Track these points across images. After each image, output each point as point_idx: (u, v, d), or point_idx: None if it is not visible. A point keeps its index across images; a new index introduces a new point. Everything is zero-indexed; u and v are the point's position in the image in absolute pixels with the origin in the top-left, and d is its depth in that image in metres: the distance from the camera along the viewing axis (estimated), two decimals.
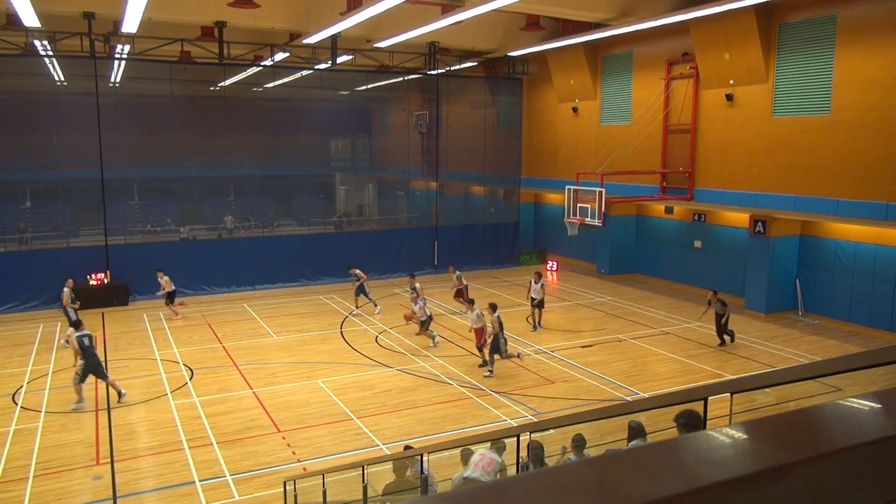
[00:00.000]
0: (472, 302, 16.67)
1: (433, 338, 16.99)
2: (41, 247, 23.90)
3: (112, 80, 24.24)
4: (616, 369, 15.17)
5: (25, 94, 25.28)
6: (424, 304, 16.99)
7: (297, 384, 14.37)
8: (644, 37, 22.24)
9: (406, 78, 28.00)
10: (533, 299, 18.59)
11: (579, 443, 7.22)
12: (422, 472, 7.23)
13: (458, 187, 30.05)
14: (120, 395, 13.47)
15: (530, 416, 12.63)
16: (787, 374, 3.48)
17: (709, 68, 20.46)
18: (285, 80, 27.82)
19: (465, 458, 7.32)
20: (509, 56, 26.74)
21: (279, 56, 24.01)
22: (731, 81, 19.94)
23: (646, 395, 13.44)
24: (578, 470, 1.21)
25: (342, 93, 30.39)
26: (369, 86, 30.79)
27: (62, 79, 24.78)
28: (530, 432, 6.27)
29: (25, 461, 10.86)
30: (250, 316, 20.38)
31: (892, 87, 16.25)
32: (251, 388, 14.18)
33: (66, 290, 17.71)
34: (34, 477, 10.36)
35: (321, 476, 8.44)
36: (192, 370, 15.37)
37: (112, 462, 10.86)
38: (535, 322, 18.70)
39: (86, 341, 13.28)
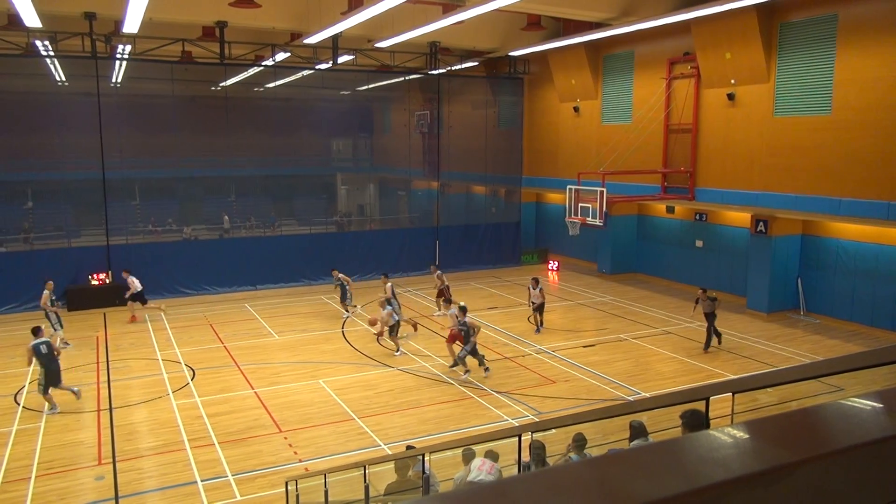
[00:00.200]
0: (464, 311, 15.74)
1: (397, 347, 16.44)
2: (43, 247, 23.93)
3: (113, 80, 24.25)
4: (618, 369, 15.17)
5: (27, 94, 25.30)
6: (394, 308, 16.52)
7: (299, 384, 14.38)
8: (645, 36, 22.22)
9: (407, 78, 28.00)
10: (533, 304, 18.44)
11: (580, 442, 7.22)
12: (423, 472, 7.23)
13: (459, 187, 30.04)
14: (77, 395, 13.31)
15: (532, 416, 12.63)
16: (789, 374, 3.48)
17: (710, 68, 20.44)
18: (286, 80, 27.83)
19: (467, 458, 7.32)
20: (510, 56, 26.73)
21: (280, 56, 24.02)
22: (733, 81, 19.93)
23: (647, 395, 13.44)
24: (579, 470, 1.21)
25: (343, 93, 30.40)
26: (370, 86, 30.79)
27: (63, 79, 24.80)
28: (532, 432, 6.27)
29: (28, 461, 10.88)
30: (252, 316, 20.39)
31: (893, 87, 16.23)
32: (253, 389, 14.19)
33: (45, 292, 17.35)
34: (36, 477, 10.37)
35: (323, 476, 8.45)
36: (193, 370, 15.38)
37: (114, 462, 10.87)
38: (537, 324, 18.51)
39: (43, 349, 12.91)
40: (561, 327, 18.94)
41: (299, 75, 26.66)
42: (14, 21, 18.86)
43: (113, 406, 13.26)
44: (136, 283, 19.53)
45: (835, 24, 17.33)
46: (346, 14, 18.29)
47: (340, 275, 20.11)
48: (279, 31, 22.57)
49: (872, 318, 17.91)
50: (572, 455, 7.03)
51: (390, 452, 10.86)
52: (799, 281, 19.70)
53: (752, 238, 20.08)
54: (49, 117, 23.94)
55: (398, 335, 16.57)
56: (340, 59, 24.02)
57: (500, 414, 12.72)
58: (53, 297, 17.58)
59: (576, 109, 26.48)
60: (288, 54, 23.95)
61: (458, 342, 14.81)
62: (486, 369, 14.78)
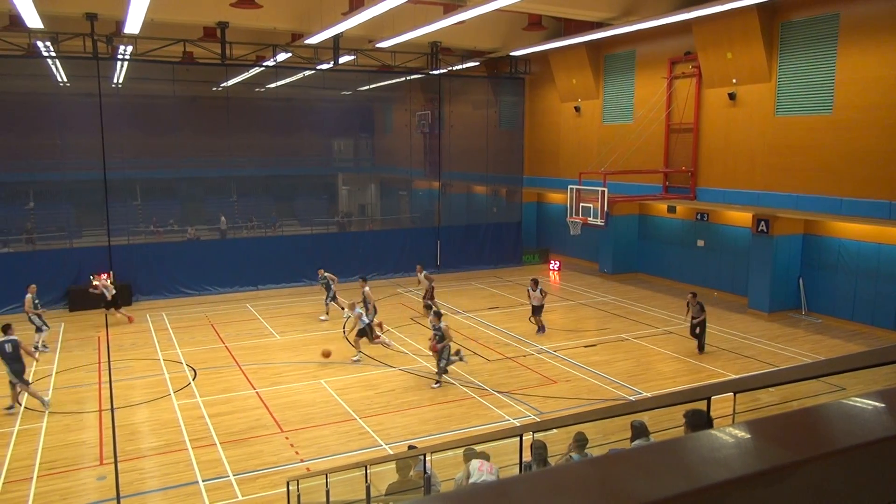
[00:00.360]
0: (432, 310, 15.42)
1: (357, 355, 15.86)
2: (45, 247, 23.96)
3: (115, 80, 24.27)
4: (619, 369, 15.16)
5: (28, 95, 25.35)
6: (362, 312, 16.02)
7: (301, 384, 14.38)
8: (646, 36, 22.21)
9: (408, 78, 28.00)
10: (534, 307, 18.15)
11: (581, 441, 7.22)
12: (425, 472, 7.23)
13: (460, 187, 30.04)
14: (44, 403, 13.03)
15: (533, 416, 12.63)
16: (791, 374, 3.48)
17: (711, 67, 20.43)
18: (287, 80, 27.83)
19: (468, 457, 7.31)
20: (511, 56, 26.72)
21: (281, 56, 24.02)
22: (734, 80, 19.91)
23: (649, 395, 13.43)
24: (581, 469, 1.21)
25: (344, 93, 30.42)
26: (371, 86, 30.80)
27: (65, 80, 24.82)
28: (533, 432, 6.27)
29: (30, 461, 10.89)
30: (253, 316, 20.40)
31: (894, 86, 16.22)
32: (254, 389, 14.20)
33: (28, 296, 17.09)
34: (38, 477, 10.39)
35: (324, 476, 8.45)
36: (195, 370, 15.39)
37: (116, 462, 10.88)
38: (539, 325, 18.15)
39: (7, 348, 12.74)
40: (562, 327, 18.93)
41: (300, 76, 26.67)
42: (15, 22, 18.87)
43: (115, 406, 13.27)
44: (110, 287, 19.46)
45: (836, 23, 17.32)
46: (346, 14, 18.29)
47: (327, 274, 20.02)
48: (280, 31, 22.58)
49: (874, 318, 17.89)
50: (573, 455, 7.03)
51: (391, 452, 10.86)
52: (800, 280, 19.69)
53: (753, 238, 20.07)
54: (50, 118, 23.98)
55: (374, 339, 16.04)
56: (341, 60, 24.03)
57: (502, 414, 12.72)
58: (37, 301, 17.24)
59: (577, 109, 26.47)
60: (289, 55, 23.96)
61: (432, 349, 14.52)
62: (460, 358, 14.57)
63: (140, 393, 14.01)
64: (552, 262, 27.54)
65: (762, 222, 19.58)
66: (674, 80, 22.08)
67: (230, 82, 27.63)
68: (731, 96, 20.07)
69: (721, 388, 3.85)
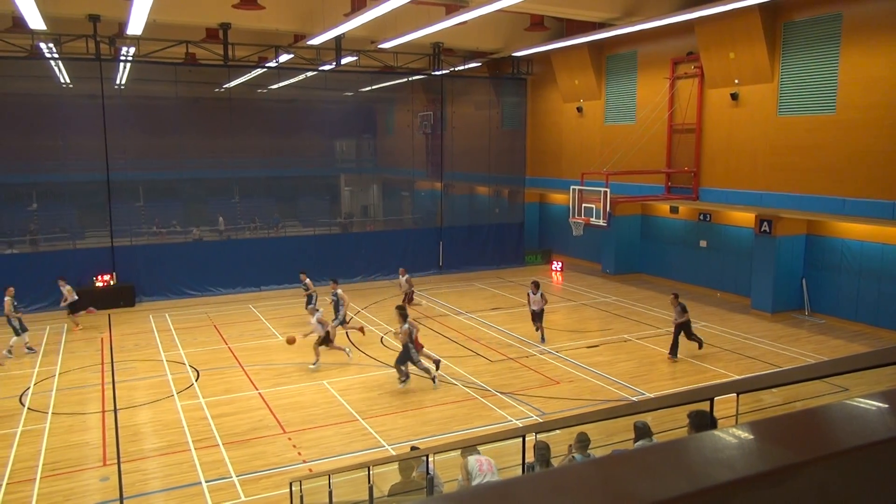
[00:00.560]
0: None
1: (315, 361, 15.39)
2: (48, 248, 24.01)
3: (117, 82, 24.32)
4: (622, 369, 15.14)
5: (31, 96, 25.41)
6: (321, 317, 15.61)
7: (303, 385, 14.39)
8: (648, 36, 22.20)
9: (410, 79, 28.04)
10: (533, 312, 17.30)
11: (584, 442, 7.22)
12: (428, 473, 7.23)
13: (462, 188, 30.05)
14: None
15: (536, 417, 12.63)
16: (794, 374, 3.47)
17: (714, 67, 20.41)
18: (290, 81, 27.87)
19: (465, 454, 7.28)
20: (513, 56, 26.73)
21: (284, 57, 24.06)
22: (737, 81, 19.90)
23: (652, 396, 13.42)
24: (583, 470, 1.21)
25: (347, 94, 30.45)
26: (374, 87, 30.80)
27: (68, 81, 24.87)
28: (536, 433, 6.26)
29: (33, 462, 10.91)
30: (256, 317, 20.42)
31: None
32: (257, 389, 14.21)
33: (7, 298, 16.72)
34: (42, 478, 10.40)
35: (327, 477, 8.46)
36: (198, 371, 15.41)
37: (119, 463, 10.90)
38: (542, 334, 17.39)
39: None
40: (565, 328, 18.92)
41: (303, 76, 26.70)
42: (18, 23, 18.93)
43: (118, 407, 13.29)
44: (70, 292, 18.91)
45: (839, 23, 17.29)
46: (349, 15, 18.31)
47: (308, 280, 19.54)
48: (283, 32, 22.61)
49: (877, 318, 17.86)
50: (576, 455, 7.02)
51: (394, 453, 10.86)
52: (803, 281, 19.66)
53: (756, 238, 20.04)
54: (53, 119, 24.03)
55: (331, 346, 15.49)
56: (344, 61, 24.05)
57: (504, 415, 12.72)
58: (15, 303, 16.98)
59: (579, 110, 26.46)
60: (291, 56, 23.99)
61: (421, 350, 14.27)
62: (404, 380, 14.02)
63: (143, 394, 14.03)
64: (554, 262, 27.53)
65: (765, 223, 19.56)
66: (676, 81, 22.06)
67: (233, 83, 27.67)
68: (734, 96, 20.05)
69: (724, 388, 3.85)
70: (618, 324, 19.17)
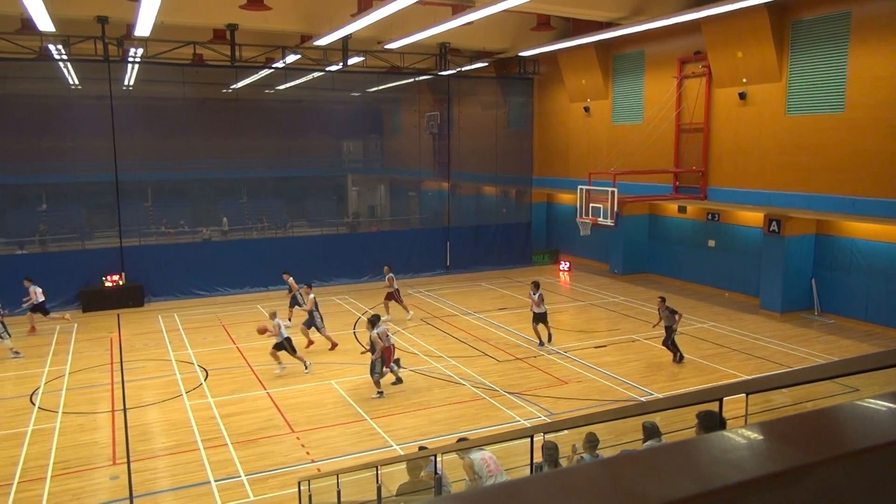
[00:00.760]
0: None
1: (280, 365, 15.07)
2: (58, 249, 24.15)
3: (125, 83, 24.44)
4: (630, 369, 15.10)
5: (41, 97, 25.56)
6: (281, 323, 15.16)
7: (311, 385, 14.41)
8: (655, 36, 22.13)
9: (417, 79, 28.06)
10: (534, 315, 16.76)
11: (592, 442, 7.20)
12: (436, 473, 7.23)
13: (469, 188, 30.05)
14: None
15: (544, 417, 12.61)
16: (804, 375, 3.46)
17: (721, 67, 20.34)
18: (297, 81, 27.94)
19: (464, 455, 7.26)
20: (520, 56, 26.71)
21: (290, 58, 24.11)
22: (744, 80, 19.81)
23: (660, 396, 13.38)
24: (592, 470, 1.21)
25: (353, 94, 30.50)
26: (380, 87, 30.85)
27: (76, 82, 25.00)
28: (544, 433, 6.26)
29: (44, 461, 10.98)
30: (264, 317, 20.42)
31: None
32: (265, 389, 14.25)
33: None
34: (52, 477, 10.47)
35: (335, 476, 8.47)
36: (206, 371, 15.46)
37: (128, 462, 10.95)
38: (542, 338, 16.81)
39: None
40: (572, 328, 18.89)
41: (309, 77, 26.75)
42: (27, 25, 19.03)
43: (127, 406, 13.36)
44: (38, 293, 18.52)
45: (848, 21, 17.19)
46: (355, 16, 18.33)
47: (291, 279, 19.30)
48: (289, 33, 22.66)
49: (888, 318, 17.74)
50: (584, 455, 7.01)
51: (402, 453, 10.87)
52: (813, 281, 19.55)
53: (764, 238, 19.95)
54: (62, 120, 24.17)
55: (294, 354, 15.06)
56: (350, 61, 24.08)
57: (512, 415, 12.71)
58: (1, 309, 16.91)
59: (586, 109, 26.41)
60: (298, 56, 24.04)
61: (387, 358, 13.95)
62: (392, 372, 14.04)
63: (152, 393, 14.09)
64: (562, 262, 27.49)
65: (773, 222, 19.47)
66: (683, 80, 21.99)
67: (240, 84, 27.76)
68: (742, 96, 19.97)
69: (733, 389, 3.83)
70: (626, 324, 19.12)
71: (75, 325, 19.61)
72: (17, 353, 16.72)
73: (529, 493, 1.05)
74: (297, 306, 18.86)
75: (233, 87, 27.66)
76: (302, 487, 9.25)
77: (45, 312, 18.91)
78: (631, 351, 16.57)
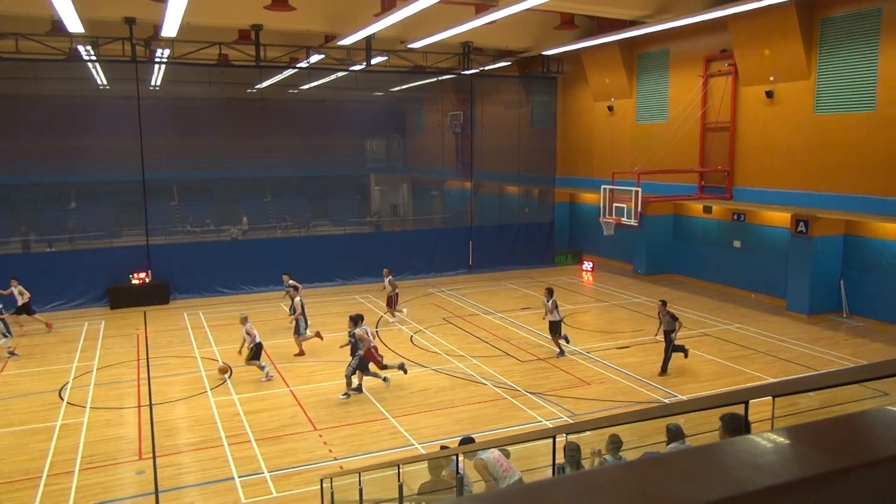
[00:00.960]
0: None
1: (263, 369, 14.69)
2: (86, 247, 24.57)
3: (152, 83, 24.78)
4: (653, 371, 14.96)
5: (70, 98, 26.07)
6: (252, 327, 14.80)
7: (334, 383, 14.48)
8: (681, 34, 21.92)
9: (440, 78, 28.08)
10: (550, 324, 16.06)
11: (616, 444, 7.16)
12: (457, 473, 7.23)
13: (492, 187, 30.03)
14: None
15: (566, 418, 12.56)
16: (832, 378, 3.41)
17: (748, 65, 20.08)
18: (320, 81, 28.13)
19: (472, 456, 7.22)
20: (543, 55, 26.60)
21: (314, 58, 24.26)
22: (772, 78, 19.55)
23: (684, 398, 13.26)
24: (620, 473, 1.21)
25: (377, 94, 30.64)
26: (403, 86, 30.94)
27: (105, 83, 25.43)
28: (567, 434, 6.24)
29: (72, 455, 11.18)
30: (287, 315, 20.59)
31: None
32: (288, 387, 14.37)
33: None
34: (80, 470, 10.65)
35: (357, 474, 8.52)
36: (230, 368, 15.63)
37: (154, 457, 11.11)
38: (559, 346, 16.21)
39: None
40: (595, 328, 18.78)
41: (333, 77, 26.92)
42: (57, 27, 19.37)
43: (153, 402, 13.55)
44: (25, 294, 18.25)
45: (878, 18, 16.88)
46: (379, 15, 18.39)
47: (291, 280, 18.85)
48: (313, 33, 22.80)
49: None
50: (607, 457, 6.97)
51: (423, 452, 10.90)
52: (841, 282, 19.23)
53: (792, 238, 19.67)
54: (91, 120, 24.63)
55: (258, 363, 14.70)
56: (374, 61, 24.17)
57: (534, 415, 12.68)
58: (1, 306, 16.97)
59: (610, 108, 26.24)
60: (322, 56, 24.18)
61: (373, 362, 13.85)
62: (346, 395, 13.60)
63: (177, 390, 14.28)
64: (585, 262, 27.35)
65: (801, 223, 19.18)
66: (709, 79, 21.75)
67: (264, 84, 28.03)
68: (769, 94, 19.70)
69: (759, 391, 3.79)
70: (649, 325, 18.94)
71: (103, 322, 19.93)
72: (11, 353, 16.55)
73: (558, 493, 1.06)
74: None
75: (257, 87, 27.94)
76: (324, 485, 9.32)
77: (31, 313, 18.64)
78: (654, 352, 16.40)
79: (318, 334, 16.86)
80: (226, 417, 12.73)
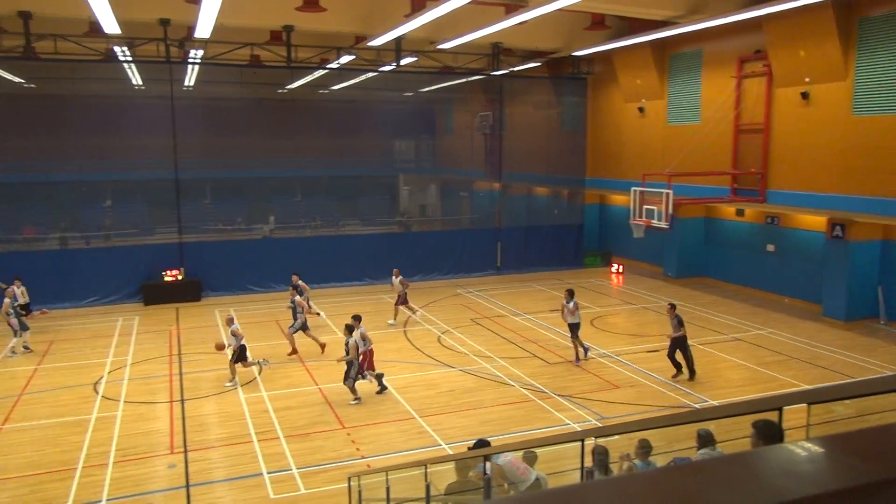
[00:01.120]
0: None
1: (261, 363, 14.92)
2: (121, 244, 25.05)
3: (186, 83, 25.16)
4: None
5: (106, 97, 26.60)
6: (239, 328, 14.60)
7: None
8: (714, 34, 21.61)
9: (469, 79, 28.07)
10: (570, 325, 15.67)
11: (645, 448, 7.09)
12: (485, 473, 7.22)
13: (521, 188, 29.93)
14: None
15: (594, 421, 12.47)
16: (869, 386, 3.34)
17: (783, 66, 19.73)
18: (350, 82, 28.31)
19: (484, 461, 7.19)
20: (574, 56, 26.44)
21: (345, 58, 24.43)
22: (807, 79, 19.17)
23: (716, 403, 13.08)
24: (657, 477, 1.20)
25: (406, 94, 30.73)
26: (433, 87, 30.99)
27: (140, 83, 25.89)
28: (596, 437, 6.20)
29: (106, 447, 11.41)
30: (316, 313, 20.76)
31: None
32: (317, 385, 14.48)
33: (6, 300, 16.64)
34: (114, 463, 10.87)
35: (385, 473, 8.55)
36: (260, 365, 15.81)
37: (185, 451, 11.29)
38: (579, 351, 15.87)
39: None
40: (625, 331, 18.61)
41: (363, 77, 27.07)
42: (94, 28, 19.78)
43: (185, 398, 13.76)
44: (26, 295, 18.24)
45: None
46: (409, 16, 18.46)
47: (301, 282, 18.67)
48: (344, 34, 22.96)
49: None
50: (637, 462, 6.91)
51: (451, 452, 10.91)
52: (880, 288, 18.79)
53: (828, 243, 19.27)
54: (126, 120, 25.12)
55: (249, 362, 14.58)
56: (403, 61, 24.26)
57: (562, 418, 12.61)
58: (17, 301, 17.04)
59: (641, 110, 25.98)
60: (352, 57, 24.34)
61: (370, 366, 13.81)
62: (357, 399, 13.39)
63: (208, 385, 14.48)
64: (614, 265, 27.12)
65: (837, 227, 18.80)
66: (743, 80, 21.42)
67: (295, 84, 28.29)
68: (804, 95, 19.33)
69: (794, 398, 3.73)
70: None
71: (136, 318, 20.30)
72: (14, 352, 16.70)
73: (594, 497, 1.06)
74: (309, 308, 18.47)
75: (288, 87, 28.20)
76: (352, 483, 9.38)
77: (28, 312, 18.74)
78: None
79: (320, 343, 16.81)
80: (255, 414, 12.88)
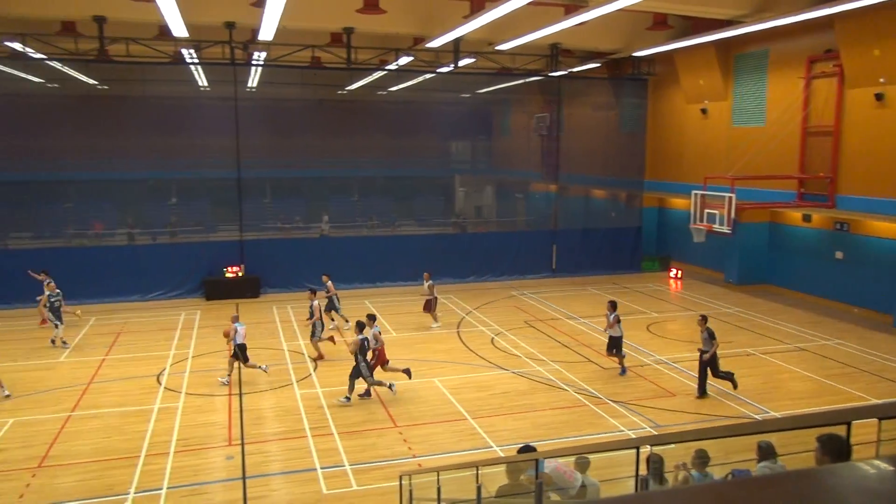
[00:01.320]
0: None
1: (261, 366, 14.68)
2: (185, 240, 25.89)
3: (249, 85, 25.82)
4: (744, 385, 14.31)
5: (173, 99, 27.53)
6: (239, 328, 14.38)
7: (414, 381, 14.64)
8: (781, 33, 20.93)
9: (527, 80, 27.92)
10: (610, 339, 15.18)
11: (702, 459, 6.91)
12: (537, 477, 7.16)
13: (577, 190, 29.58)
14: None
15: (649, 429, 12.23)
16: None
17: (855, 66, 18.95)
18: (408, 83, 28.54)
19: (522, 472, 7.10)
20: (634, 56, 26.00)
21: (403, 60, 24.64)
22: (882, 80, 18.37)
23: (777, 415, 12.66)
24: (728, 490, 1.16)
25: (463, 95, 30.77)
26: (490, 88, 30.94)
27: (205, 84, 26.70)
28: (651, 445, 6.07)
29: (167, 437, 11.79)
30: (371, 312, 20.98)
31: None
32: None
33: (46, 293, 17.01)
34: (175, 453, 11.22)
35: (436, 473, 8.58)
36: (315, 362, 16.08)
37: (242, 444, 11.57)
38: (621, 364, 15.28)
39: None
40: (682, 338, 18.19)
41: (421, 79, 27.25)
42: (163, 32, 20.50)
43: (242, 392, 14.10)
44: (52, 285, 17.75)
45: None
46: (467, 17, 18.48)
47: (330, 282, 18.82)
48: (403, 35, 23.16)
49: None
50: (693, 472, 6.74)
51: (502, 454, 10.87)
52: None
53: None
54: (192, 120, 25.91)
55: (249, 364, 14.53)
56: (461, 62, 24.30)
57: (616, 424, 12.41)
58: (57, 293, 17.24)
59: (703, 111, 25.37)
60: (411, 58, 24.52)
61: (382, 364, 13.89)
62: (347, 398, 13.34)
63: (265, 380, 14.80)
64: (672, 269, 26.55)
65: None
66: (812, 80, 20.67)
67: (354, 86, 28.70)
68: (879, 97, 18.53)
69: (863, 412, 3.57)
70: (740, 336, 18.20)
71: (198, 313, 20.91)
72: (65, 342, 17.11)
73: None
74: (333, 310, 18.79)
75: (347, 88, 28.61)
76: (403, 481, 9.44)
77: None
78: (745, 365, 15.74)
79: (331, 339, 16.85)
80: (310, 409, 13.10)
